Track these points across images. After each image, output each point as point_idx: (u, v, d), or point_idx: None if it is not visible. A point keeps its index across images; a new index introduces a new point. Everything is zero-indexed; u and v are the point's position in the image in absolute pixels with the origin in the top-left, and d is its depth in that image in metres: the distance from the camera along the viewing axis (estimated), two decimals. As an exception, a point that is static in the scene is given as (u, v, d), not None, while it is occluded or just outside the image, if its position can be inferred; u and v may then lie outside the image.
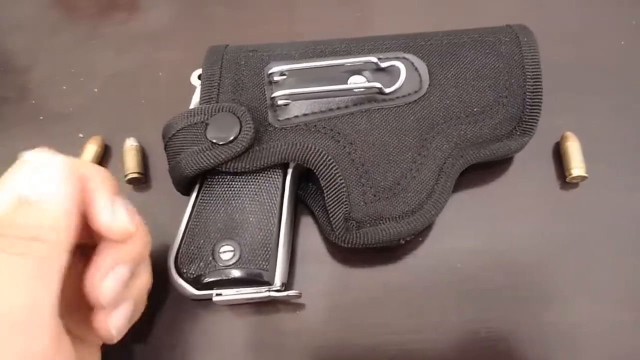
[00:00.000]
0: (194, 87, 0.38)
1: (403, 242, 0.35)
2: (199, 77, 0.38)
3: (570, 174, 0.38)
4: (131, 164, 0.39)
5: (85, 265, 0.27)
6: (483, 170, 0.38)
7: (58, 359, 0.24)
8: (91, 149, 0.40)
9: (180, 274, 0.33)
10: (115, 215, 0.27)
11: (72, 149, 0.40)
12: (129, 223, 0.28)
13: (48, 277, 0.24)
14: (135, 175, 0.39)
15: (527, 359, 0.34)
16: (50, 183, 0.25)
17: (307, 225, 0.38)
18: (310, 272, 0.37)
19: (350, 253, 0.36)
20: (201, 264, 0.33)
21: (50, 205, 0.25)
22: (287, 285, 0.35)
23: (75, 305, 0.28)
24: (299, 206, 0.38)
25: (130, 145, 0.40)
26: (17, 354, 0.22)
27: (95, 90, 0.44)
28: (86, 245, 0.28)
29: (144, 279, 0.31)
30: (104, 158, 0.41)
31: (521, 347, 0.34)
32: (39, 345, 0.23)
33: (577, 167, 0.38)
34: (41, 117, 0.43)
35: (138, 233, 0.28)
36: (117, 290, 0.27)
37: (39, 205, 0.24)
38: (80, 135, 0.42)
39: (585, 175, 0.38)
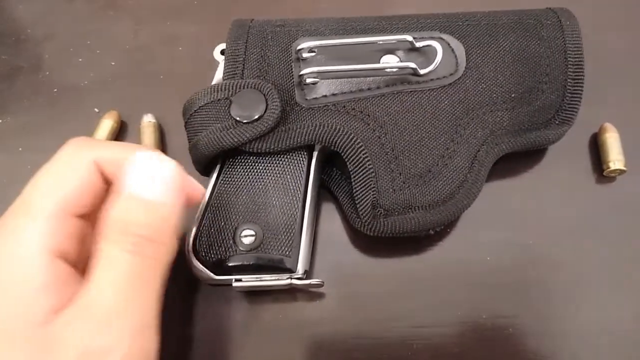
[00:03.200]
0: (216, 63, 0.37)
1: (432, 232, 0.33)
2: (222, 52, 0.36)
3: (607, 167, 0.36)
4: (148, 142, 0.38)
5: None
6: (516, 160, 0.37)
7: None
8: (107, 124, 0.38)
9: (199, 258, 0.31)
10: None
11: (87, 124, 0.39)
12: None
13: (154, 280, 0.24)
14: (153, 153, 0.37)
15: (557, 357, 0.32)
16: (167, 187, 0.25)
17: (329, 212, 0.37)
18: (331, 260, 0.35)
19: (374, 242, 0.35)
20: (221, 247, 0.31)
21: (166, 209, 0.25)
22: (308, 273, 0.33)
23: None
24: (321, 192, 0.37)
25: (147, 121, 0.38)
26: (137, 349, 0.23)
27: (113, 63, 0.43)
28: None
29: None
30: (120, 134, 0.39)
31: (552, 345, 0.33)
32: (149, 342, 0.24)
33: (615, 159, 0.36)
34: (55, 90, 0.42)
35: None
36: None
37: (156, 206, 0.25)
38: (96, 109, 0.40)
39: (624, 168, 0.36)
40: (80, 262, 0.26)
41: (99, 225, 0.27)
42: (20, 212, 0.25)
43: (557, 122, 0.35)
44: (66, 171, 0.26)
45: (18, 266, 0.24)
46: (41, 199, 0.25)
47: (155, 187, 0.25)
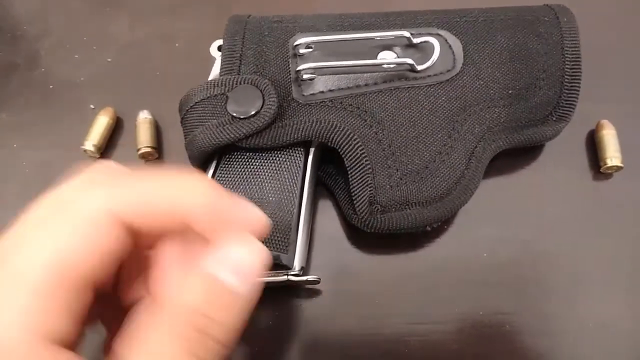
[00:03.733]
0: (212, 59, 0.37)
1: (429, 228, 0.33)
2: (219, 48, 0.36)
3: (604, 164, 0.36)
4: (144, 138, 0.38)
5: None
6: (513, 156, 0.37)
7: None
8: (102, 120, 0.38)
9: (195, 254, 0.31)
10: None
11: (83, 120, 0.39)
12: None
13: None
14: (149, 149, 0.37)
15: (556, 354, 0.32)
16: (251, 278, 0.20)
17: (326, 209, 0.37)
18: (328, 257, 0.35)
19: (371, 238, 0.35)
20: (217, 243, 0.31)
21: (245, 302, 0.20)
22: (305, 270, 0.33)
23: None
24: (318, 188, 0.36)
25: (143, 118, 0.38)
26: None
27: (109, 60, 0.42)
28: None
29: None
30: (115, 131, 0.39)
31: (549, 342, 0.33)
32: None
33: (612, 156, 0.36)
34: (51, 86, 0.41)
35: None
36: None
37: (237, 298, 0.20)
38: (92, 106, 0.40)
39: (621, 165, 0.36)
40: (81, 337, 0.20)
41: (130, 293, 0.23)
42: (3, 279, 0.19)
43: (554, 119, 0.35)
44: (67, 227, 0.19)
45: None
46: (30, 265, 0.19)
47: (241, 276, 0.20)
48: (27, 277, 0.18)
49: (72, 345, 0.19)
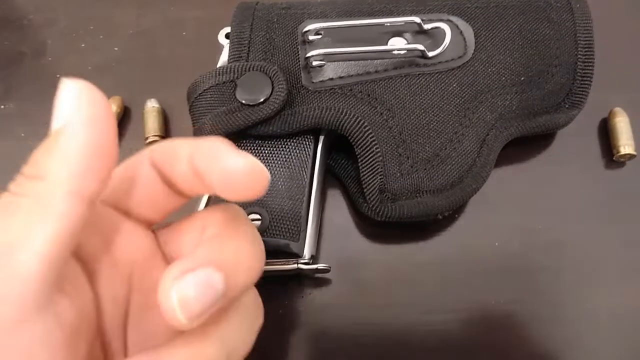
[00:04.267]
0: (220, 47, 0.36)
1: (440, 217, 0.33)
2: (227, 35, 0.36)
3: (618, 152, 0.36)
4: (152, 127, 0.37)
5: None
6: (524, 144, 0.36)
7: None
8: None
9: (204, 242, 0.31)
10: (242, 155, 0.21)
11: (91, 109, 0.39)
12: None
13: (41, 218, 0.18)
14: (157, 138, 0.37)
15: (568, 344, 0.32)
16: (80, 109, 0.19)
17: (335, 198, 0.36)
18: (338, 246, 0.35)
19: (381, 227, 0.34)
20: (227, 231, 0.31)
21: (70, 136, 0.19)
22: (314, 259, 0.33)
23: None
24: (327, 178, 0.36)
25: (151, 106, 0.38)
26: None
27: (116, 49, 0.42)
28: None
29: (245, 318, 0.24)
30: (123, 120, 0.39)
31: (561, 332, 0.32)
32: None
33: (625, 144, 0.36)
34: (58, 75, 0.41)
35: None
36: (200, 306, 0.19)
37: (59, 136, 0.19)
38: (99, 94, 0.40)
39: (634, 153, 0.36)
40: None
41: None
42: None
43: (566, 106, 0.34)
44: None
45: None
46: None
47: (67, 113, 0.19)
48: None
49: None
